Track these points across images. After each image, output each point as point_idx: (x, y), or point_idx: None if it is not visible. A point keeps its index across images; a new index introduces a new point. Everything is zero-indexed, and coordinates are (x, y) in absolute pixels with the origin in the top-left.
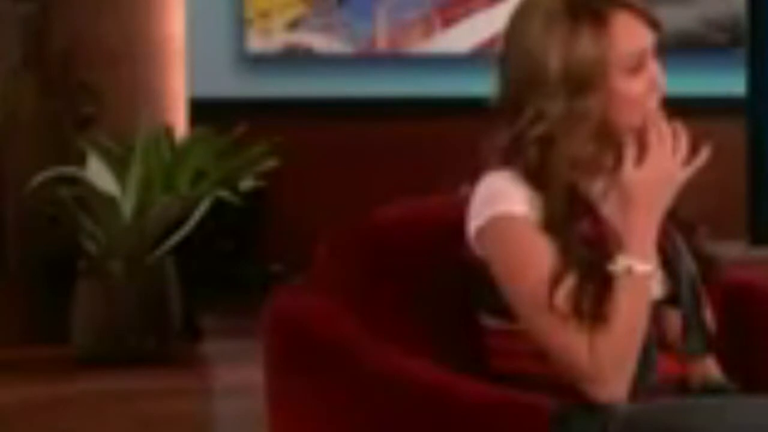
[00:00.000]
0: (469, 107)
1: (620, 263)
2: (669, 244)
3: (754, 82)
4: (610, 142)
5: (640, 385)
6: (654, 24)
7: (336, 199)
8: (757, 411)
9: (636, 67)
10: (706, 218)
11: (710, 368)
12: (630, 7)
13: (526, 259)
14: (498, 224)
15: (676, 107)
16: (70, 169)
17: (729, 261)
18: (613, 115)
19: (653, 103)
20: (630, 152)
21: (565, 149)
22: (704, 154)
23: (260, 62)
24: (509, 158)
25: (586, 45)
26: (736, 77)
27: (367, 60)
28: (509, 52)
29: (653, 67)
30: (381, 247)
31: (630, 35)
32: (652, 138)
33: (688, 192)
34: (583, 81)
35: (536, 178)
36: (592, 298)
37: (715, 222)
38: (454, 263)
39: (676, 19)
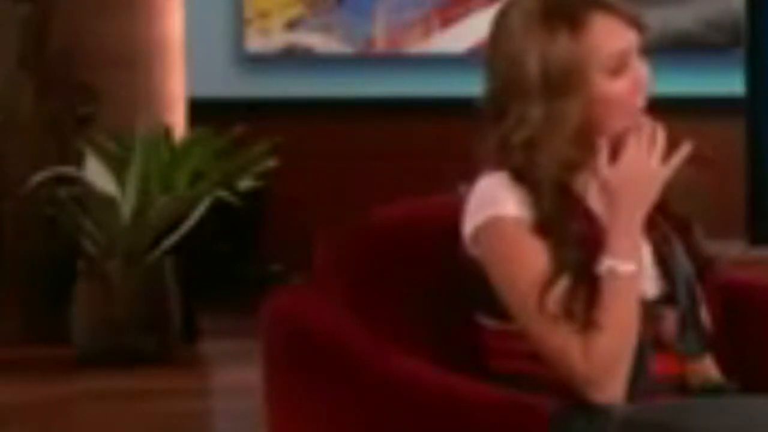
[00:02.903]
0: (468, 107)
1: (603, 264)
2: (664, 243)
3: (753, 82)
4: (595, 143)
5: (633, 388)
6: (635, 23)
7: (335, 199)
8: (756, 411)
9: (618, 68)
10: (705, 218)
11: (709, 368)
12: (608, 8)
13: (518, 262)
14: (491, 227)
15: (676, 107)
16: (68, 170)
17: (728, 261)
18: (596, 116)
19: (639, 103)
20: (603, 152)
21: (549, 152)
22: (684, 151)
23: (259, 62)
24: (500, 160)
25: (563, 48)
26: (735, 77)
27: (366, 60)
28: (491, 56)
29: (638, 67)
30: (381, 247)
31: (609, 36)
32: (629, 136)
33: (687, 191)
34: (561, 83)
35: (526, 179)
36: (584, 300)
37: (714, 222)
38: (453, 263)
39: (675, 19)
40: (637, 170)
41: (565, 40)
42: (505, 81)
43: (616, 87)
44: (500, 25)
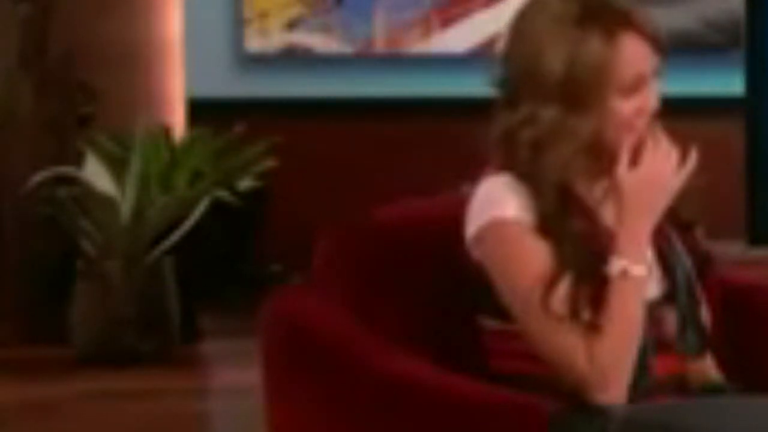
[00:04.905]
0: (468, 107)
1: (615, 266)
2: (665, 242)
3: (752, 82)
4: (600, 155)
5: (634, 389)
6: (660, 48)
7: (335, 199)
8: (757, 411)
9: (632, 89)
10: (705, 218)
11: (709, 368)
12: (640, 30)
13: (520, 263)
14: (493, 229)
15: (675, 107)
16: (68, 169)
17: (728, 261)
18: (603, 131)
19: (642, 125)
20: (624, 154)
21: (554, 156)
22: (693, 158)
23: (259, 62)
24: (505, 159)
25: (592, 58)
26: (734, 77)
27: (366, 60)
28: (513, 49)
29: (649, 91)
30: (381, 246)
31: (634, 58)
32: (648, 142)
33: (687, 192)
34: (581, 93)
35: (529, 179)
36: (588, 300)
37: (713, 222)
38: (454, 263)
39: (675, 19)
40: (653, 175)
41: (594, 53)
42: (524, 73)
43: (627, 107)
44: (528, 20)
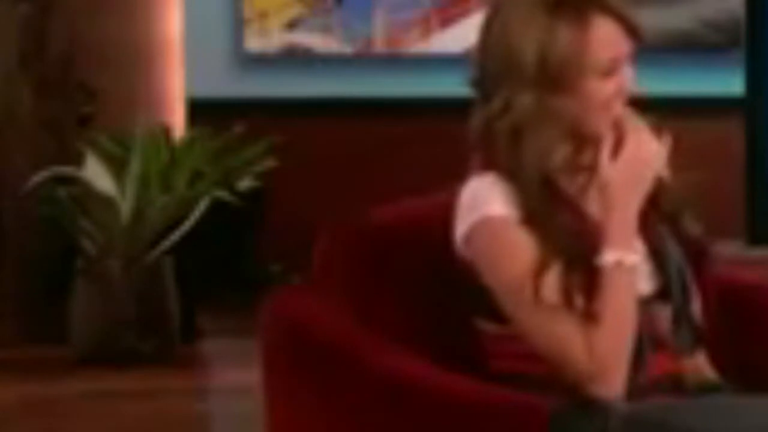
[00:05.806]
0: (467, 107)
1: (608, 257)
2: (656, 238)
3: (752, 82)
4: (584, 141)
5: (632, 386)
6: (633, 32)
7: (335, 199)
8: (757, 411)
9: (609, 72)
10: (704, 218)
11: (703, 366)
12: (613, 14)
13: (510, 259)
14: (480, 228)
15: (675, 107)
16: (68, 169)
17: (727, 261)
18: (583, 114)
19: (618, 108)
20: (606, 146)
21: (534, 143)
22: (667, 141)
23: (258, 62)
24: (486, 155)
25: (564, 44)
26: (734, 77)
27: (366, 60)
28: (487, 43)
29: (625, 74)
30: (381, 246)
31: (608, 42)
32: (628, 131)
33: (685, 191)
34: (557, 79)
35: (511, 176)
36: (580, 290)
37: (712, 222)
38: (453, 263)
39: (675, 19)
40: (636, 164)
41: (567, 37)
42: (499, 65)
43: (605, 89)
44: (502, 9)
